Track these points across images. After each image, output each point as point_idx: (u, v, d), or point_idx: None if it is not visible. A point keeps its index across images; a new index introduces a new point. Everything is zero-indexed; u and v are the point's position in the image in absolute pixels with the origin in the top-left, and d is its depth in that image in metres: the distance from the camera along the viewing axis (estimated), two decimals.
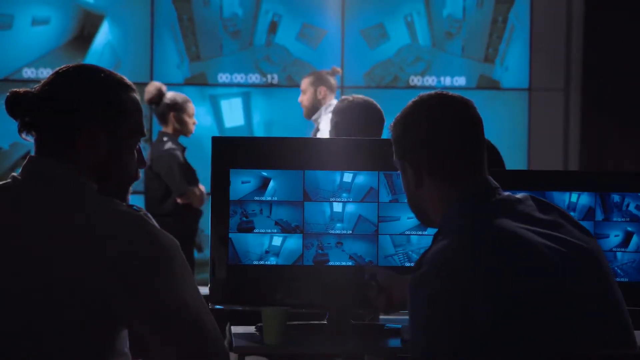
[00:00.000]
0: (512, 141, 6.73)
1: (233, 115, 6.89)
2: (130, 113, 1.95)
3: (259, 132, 6.86)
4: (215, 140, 2.65)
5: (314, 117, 5.87)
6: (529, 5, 6.87)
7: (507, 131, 6.79)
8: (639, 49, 6.52)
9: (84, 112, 1.90)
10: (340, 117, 3.77)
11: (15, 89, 1.91)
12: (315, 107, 5.86)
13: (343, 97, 3.92)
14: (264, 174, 2.61)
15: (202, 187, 5.67)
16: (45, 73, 6.59)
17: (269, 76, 6.87)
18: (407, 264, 2.62)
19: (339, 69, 6.08)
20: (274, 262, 2.61)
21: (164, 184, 5.46)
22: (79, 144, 1.89)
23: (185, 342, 1.84)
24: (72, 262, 1.78)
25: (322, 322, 2.66)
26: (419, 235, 2.62)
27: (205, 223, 6.43)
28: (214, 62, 6.86)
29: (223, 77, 6.82)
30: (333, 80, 5.90)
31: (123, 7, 6.83)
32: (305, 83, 5.91)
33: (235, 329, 2.60)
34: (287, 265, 2.62)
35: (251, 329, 2.61)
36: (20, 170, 1.92)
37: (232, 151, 2.64)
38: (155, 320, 1.83)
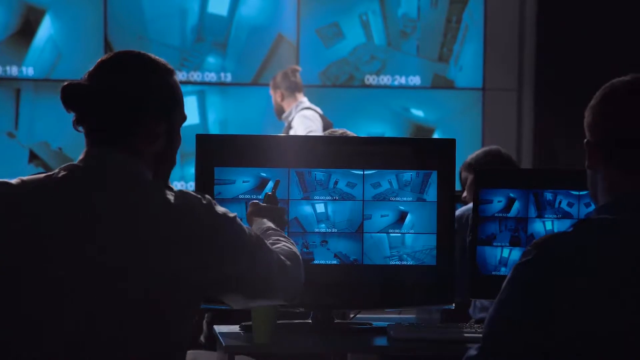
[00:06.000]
0: (466, 140, 6.78)
1: (188, 113, 6.82)
2: (180, 99, 1.95)
3: (214, 130, 6.81)
4: (200, 138, 2.63)
5: (283, 116, 5.91)
6: (482, 5, 6.93)
7: (461, 130, 6.85)
8: (590, 49, 6.62)
9: (147, 104, 1.87)
10: None
11: (69, 81, 1.87)
12: (280, 109, 5.95)
13: (333, 129, 3.89)
14: (263, 174, 2.60)
15: None
16: None
17: (222, 74, 6.83)
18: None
19: (297, 67, 6.14)
20: None
21: None
22: (141, 135, 1.87)
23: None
24: (163, 257, 1.79)
25: (307, 320, 2.65)
26: (397, 233, 2.63)
27: None
28: None
29: (179, 75, 6.76)
30: (293, 79, 5.92)
31: (66, 1, 6.70)
32: (270, 87, 6.05)
33: (219, 329, 2.58)
34: None
35: (235, 328, 2.59)
36: (81, 161, 1.87)
37: (216, 149, 2.62)
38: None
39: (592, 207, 1.92)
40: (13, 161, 6.59)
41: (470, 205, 3.21)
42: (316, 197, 2.62)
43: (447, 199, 2.65)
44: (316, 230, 2.62)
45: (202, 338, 3.15)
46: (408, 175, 2.63)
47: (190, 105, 6.79)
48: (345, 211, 2.62)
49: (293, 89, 5.94)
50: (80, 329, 1.75)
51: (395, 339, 2.48)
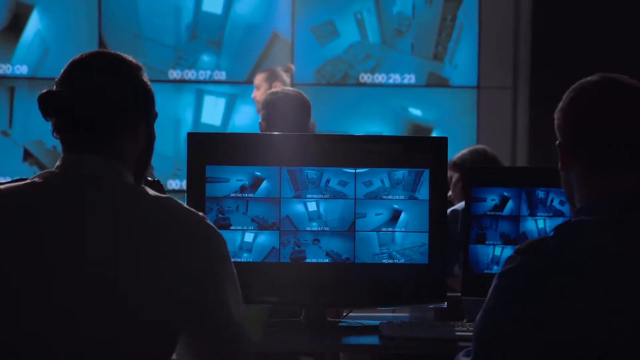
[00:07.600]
0: (461, 138, 6.78)
1: (183, 111, 6.82)
2: (153, 95, 1.90)
3: (207, 128, 6.79)
4: (192, 137, 2.62)
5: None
6: (477, 4, 6.92)
7: (456, 129, 6.84)
8: (585, 47, 6.62)
9: (131, 104, 1.83)
10: (271, 109, 3.80)
11: (47, 90, 1.81)
12: None
13: (272, 90, 3.95)
14: (258, 173, 2.60)
15: None
16: None
17: (217, 73, 6.82)
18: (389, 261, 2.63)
19: (292, 66, 6.10)
20: (246, 259, 2.60)
21: None
22: (128, 137, 1.83)
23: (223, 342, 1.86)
24: (151, 263, 1.73)
25: (299, 319, 2.65)
26: (390, 231, 2.62)
27: None
28: None
29: (173, 74, 6.75)
30: (287, 77, 5.91)
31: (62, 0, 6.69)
32: (259, 79, 5.90)
33: None
34: (264, 262, 2.60)
35: None
36: (58, 167, 1.82)
37: (208, 148, 2.61)
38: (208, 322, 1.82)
39: None
40: (7, 160, 6.58)
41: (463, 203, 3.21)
42: (308, 196, 2.61)
43: (439, 197, 2.64)
44: (308, 228, 2.61)
45: None
46: (400, 173, 2.63)
47: (184, 104, 6.78)
48: (337, 209, 2.62)
49: (286, 86, 5.94)
50: (74, 334, 1.73)
51: (387, 338, 2.48)
